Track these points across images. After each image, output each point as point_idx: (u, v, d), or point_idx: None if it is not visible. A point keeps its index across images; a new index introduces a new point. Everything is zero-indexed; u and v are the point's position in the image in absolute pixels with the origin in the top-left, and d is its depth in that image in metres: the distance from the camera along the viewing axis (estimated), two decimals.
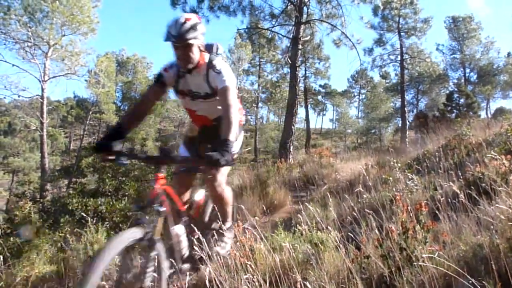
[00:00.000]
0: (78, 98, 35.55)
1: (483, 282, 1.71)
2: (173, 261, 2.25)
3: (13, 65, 18.78)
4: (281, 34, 14.16)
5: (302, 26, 11.96)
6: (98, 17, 20.66)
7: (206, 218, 3.02)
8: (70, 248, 3.32)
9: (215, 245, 2.71)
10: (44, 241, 3.33)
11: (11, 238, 3.41)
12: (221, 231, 2.73)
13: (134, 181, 5.48)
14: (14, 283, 2.88)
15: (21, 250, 3.06)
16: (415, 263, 1.98)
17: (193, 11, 11.86)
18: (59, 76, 20.19)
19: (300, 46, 11.92)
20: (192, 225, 2.44)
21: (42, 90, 19.31)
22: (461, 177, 3.51)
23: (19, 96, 20.12)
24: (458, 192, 2.44)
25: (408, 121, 25.84)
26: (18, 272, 2.91)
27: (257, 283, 2.01)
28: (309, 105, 37.91)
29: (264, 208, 5.09)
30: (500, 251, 1.88)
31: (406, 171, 4.90)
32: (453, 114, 23.45)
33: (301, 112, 33.60)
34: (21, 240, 3.25)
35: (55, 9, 18.41)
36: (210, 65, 2.43)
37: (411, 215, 2.31)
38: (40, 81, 19.27)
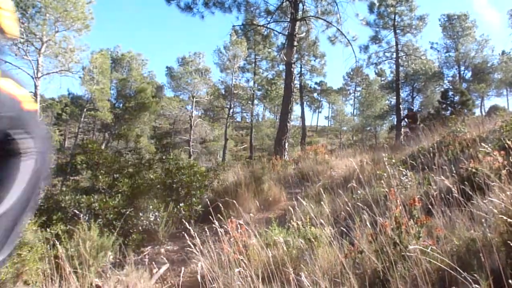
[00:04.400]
0: (73, 95, 35.25)
1: (476, 276, 1.71)
2: None
3: (5, 61, 18.50)
4: (276, 31, 14.14)
5: (298, 23, 11.92)
6: (93, 13, 20.45)
7: None
8: (62, 245, 3.29)
9: None
10: (36, 238, 3.30)
11: None
12: None
13: (127, 177, 5.42)
14: (5, 280, 2.84)
15: None
16: (408, 257, 1.98)
17: (188, 7, 11.77)
18: (52, 73, 19.94)
19: (295, 43, 11.88)
20: None
21: (35, 87, 19.07)
22: (455, 172, 3.51)
23: None
24: (452, 187, 2.44)
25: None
26: (8, 269, 2.86)
27: (249, 278, 2.00)
28: (304, 103, 37.77)
29: (259, 205, 5.08)
30: (492, 246, 1.88)
31: (400, 167, 4.90)
32: (448, 112, 23.58)
33: (296, 109, 33.68)
34: None
35: (48, 5, 18.18)
36: None
37: (406, 209, 2.31)
38: (33, 78, 19.01)
